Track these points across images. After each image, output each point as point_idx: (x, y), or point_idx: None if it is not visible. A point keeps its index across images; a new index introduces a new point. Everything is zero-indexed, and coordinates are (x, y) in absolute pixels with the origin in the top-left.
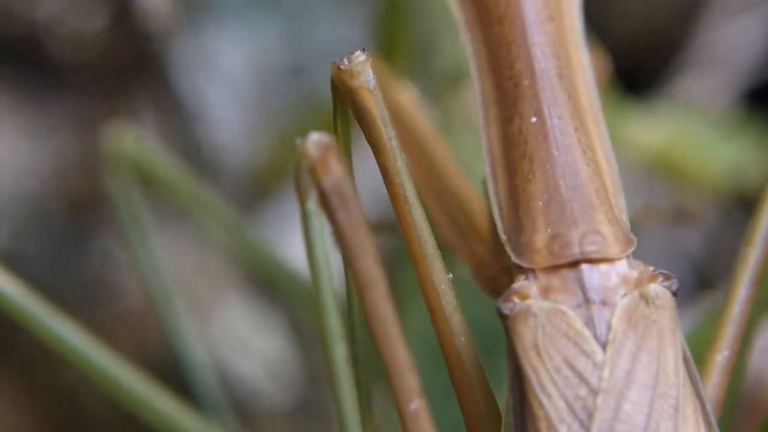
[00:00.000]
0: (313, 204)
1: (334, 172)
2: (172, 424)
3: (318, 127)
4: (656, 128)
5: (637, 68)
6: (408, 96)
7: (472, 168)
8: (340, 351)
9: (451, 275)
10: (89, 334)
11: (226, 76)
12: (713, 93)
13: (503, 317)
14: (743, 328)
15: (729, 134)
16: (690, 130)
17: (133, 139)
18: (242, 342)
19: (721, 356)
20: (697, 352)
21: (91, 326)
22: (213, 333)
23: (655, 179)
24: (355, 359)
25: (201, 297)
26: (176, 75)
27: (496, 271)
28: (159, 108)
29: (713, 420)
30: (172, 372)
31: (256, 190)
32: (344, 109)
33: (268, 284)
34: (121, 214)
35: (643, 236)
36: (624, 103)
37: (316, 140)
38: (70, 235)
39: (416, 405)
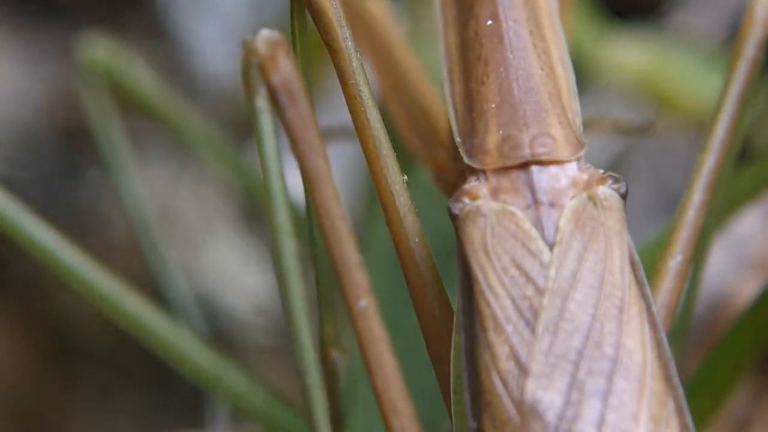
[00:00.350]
0: (262, 100)
1: (282, 69)
2: (164, 343)
3: (311, 53)
4: (642, 53)
5: (633, 3)
6: (379, 5)
7: (439, 77)
8: (289, 246)
9: (405, 177)
10: (85, 255)
11: (220, 8)
12: (707, 30)
13: (453, 217)
14: (697, 233)
15: (717, 68)
16: (677, 59)
17: (110, 53)
18: (232, 276)
19: (674, 261)
20: (653, 259)
21: None
22: (203, 266)
23: (637, 105)
24: (314, 260)
25: (192, 229)
26: (170, 6)
27: (455, 176)
28: (152, 39)
29: (659, 321)
30: (164, 303)
31: (248, 123)
32: (300, 9)
33: (259, 215)
34: (98, 133)
35: (628, 171)
36: (610, 26)
37: (265, 37)
38: (64, 164)
39: (365, 302)
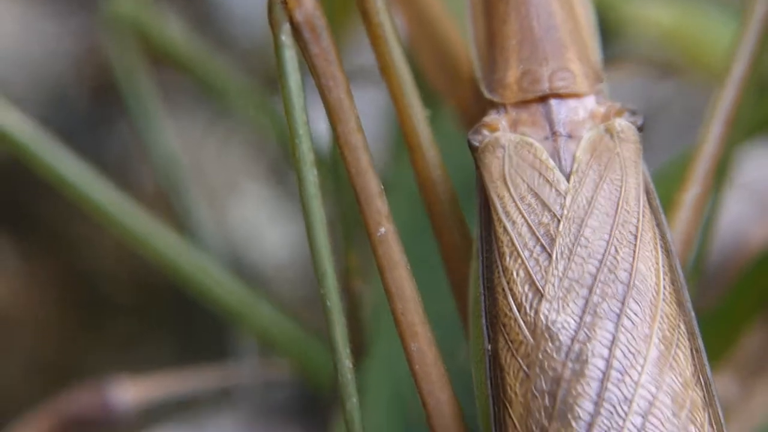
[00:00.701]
0: (285, 36)
1: (305, 5)
2: (192, 278)
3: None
4: (669, 8)
5: None
6: None
7: (463, 19)
8: (311, 176)
9: (429, 111)
10: (115, 190)
11: None
12: None
13: (473, 149)
14: (715, 166)
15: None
16: (704, 15)
17: (138, 5)
18: (259, 231)
19: (691, 193)
20: (670, 189)
21: None
22: (230, 221)
23: (663, 61)
24: (338, 192)
25: (219, 184)
26: None
27: (478, 113)
28: None
29: (673, 249)
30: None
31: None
32: None
33: (287, 169)
34: (125, 86)
35: (653, 133)
36: None
37: None
38: (92, 118)
39: (385, 229)
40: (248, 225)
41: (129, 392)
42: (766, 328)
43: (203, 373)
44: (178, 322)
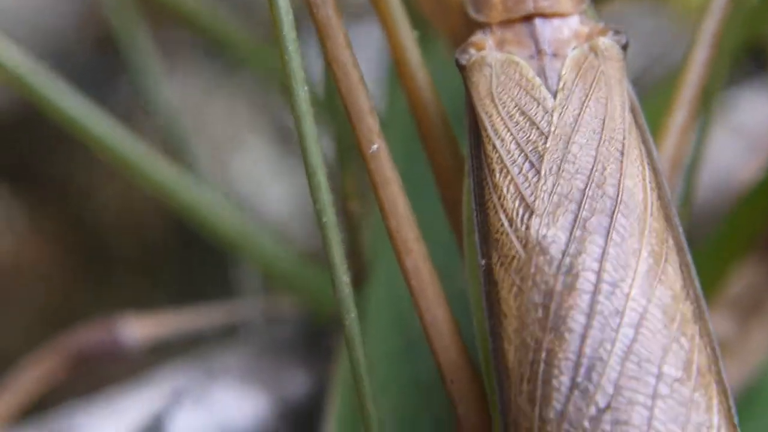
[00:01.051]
0: None
1: None
2: (196, 212)
3: None
4: None
5: None
6: None
7: None
8: (302, 92)
9: (417, 32)
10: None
11: None
12: None
13: (461, 68)
14: (701, 91)
15: None
16: None
17: None
18: (262, 185)
19: (677, 118)
20: (657, 116)
21: None
22: (235, 177)
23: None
24: (333, 117)
25: (223, 139)
26: None
27: (466, 36)
28: None
29: (659, 166)
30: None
31: None
32: None
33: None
34: (125, 41)
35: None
36: None
37: None
38: (95, 74)
39: (377, 145)
40: (252, 180)
41: (137, 329)
42: (759, 266)
43: (209, 311)
44: (182, 272)
